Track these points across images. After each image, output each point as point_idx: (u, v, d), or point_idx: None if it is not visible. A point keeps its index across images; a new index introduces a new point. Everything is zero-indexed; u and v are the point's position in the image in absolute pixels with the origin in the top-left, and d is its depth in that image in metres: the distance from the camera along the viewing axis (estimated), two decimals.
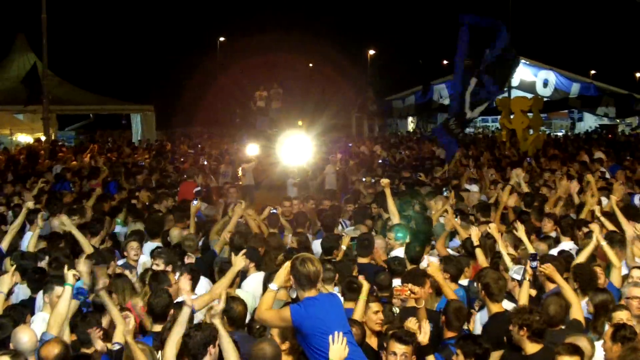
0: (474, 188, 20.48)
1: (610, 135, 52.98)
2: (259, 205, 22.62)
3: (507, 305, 9.65)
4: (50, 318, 8.77)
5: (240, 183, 28.45)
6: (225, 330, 7.93)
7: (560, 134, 61.83)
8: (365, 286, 9.45)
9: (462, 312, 9.34)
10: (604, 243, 11.06)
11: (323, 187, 26.50)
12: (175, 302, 9.31)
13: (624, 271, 11.18)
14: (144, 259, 12.77)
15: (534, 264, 9.77)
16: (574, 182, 17.30)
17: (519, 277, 9.84)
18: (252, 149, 32.00)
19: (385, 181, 15.82)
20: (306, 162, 30.12)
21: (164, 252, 12.00)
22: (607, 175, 22.18)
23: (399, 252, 12.58)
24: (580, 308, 9.42)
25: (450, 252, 13.33)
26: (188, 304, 8.16)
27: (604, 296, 9.59)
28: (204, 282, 11.49)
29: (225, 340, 7.83)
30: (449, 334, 9.04)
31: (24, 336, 8.01)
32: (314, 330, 7.63)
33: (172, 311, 9.13)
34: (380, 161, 31.92)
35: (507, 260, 11.14)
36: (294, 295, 9.19)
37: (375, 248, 12.77)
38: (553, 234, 13.97)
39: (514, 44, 26.97)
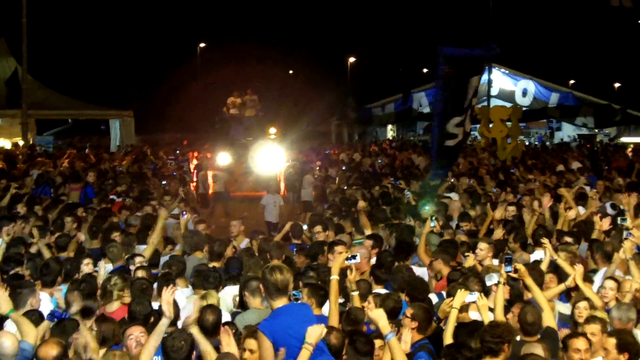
0: (454, 196, 20.43)
1: (588, 145, 53.18)
2: (233, 214, 22.60)
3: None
4: (26, 328, 8.71)
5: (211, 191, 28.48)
6: (202, 336, 7.99)
7: (537, 142, 62.16)
8: (334, 288, 9.40)
9: (429, 313, 9.26)
10: (556, 257, 11.16)
11: (299, 198, 26.34)
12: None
13: (598, 283, 11.26)
14: (110, 267, 12.72)
15: (509, 267, 9.79)
16: (547, 195, 17.36)
17: (494, 281, 9.90)
18: (223, 158, 31.84)
19: (362, 204, 16.20)
20: (280, 172, 30.13)
21: (175, 260, 12.07)
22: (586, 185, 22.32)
23: None
24: (552, 315, 9.48)
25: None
26: (167, 315, 8.12)
27: None
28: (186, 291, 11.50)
29: (204, 345, 7.89)
30: (418, 337, 8.97)
31: (6, 341, 7.98)
32: (289, 340, 7.56)
33: (152, 319, 9.16)
34: (361, 169, 31.89)
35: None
36: (265, 305, 9.18)
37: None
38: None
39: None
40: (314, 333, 7.51)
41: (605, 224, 14.09)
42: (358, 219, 16.28)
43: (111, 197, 20.71)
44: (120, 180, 23.34)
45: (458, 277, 10.76)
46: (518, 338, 9.10)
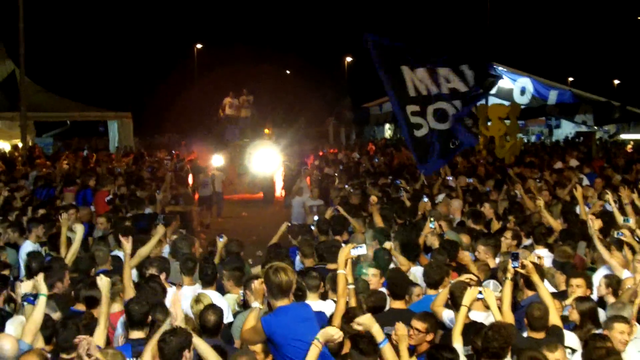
0: (440, 197, 20.19)
1: (588, 142, 53.12)
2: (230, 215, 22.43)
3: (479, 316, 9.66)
4: (25, 326, 8.75)
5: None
6: (197, 336, 8.02)
7: (533, 139, 62.21)
8: (342, 282, 9.28)
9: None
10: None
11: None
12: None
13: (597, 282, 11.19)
14: None
15: (515, 263, 9.77)
16: (545, 192, 17.29)
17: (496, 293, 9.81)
18: (217, 160, 31.73)
19: (374, 199, 15.97)
20: (274, 174, 30.02)
21: (156, 260, 11.96)
22: (586, 183, 22.28)
23: None
24: (556, 312, 9.46)
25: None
26: (174, 317, 8.12)
27: (589, 304, 9.71)
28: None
29: (201, 344, 7.91)
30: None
31: (6, 344, 7.98)
32: (286, 340, 7.58)
33: (149, 318, 9.14)
34: (361, 168, 31.74)
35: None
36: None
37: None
38: (529, 242, 14.08)
39: (492, 51, 26.30)
40: (328, 332, 7.40)
41: (597, 224, 13.98)
42: (366, 219, 16.06)
43: (108, 198, 20.60)
44: (105, 182, 23.11)
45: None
46: (525, 334, 9.13)
